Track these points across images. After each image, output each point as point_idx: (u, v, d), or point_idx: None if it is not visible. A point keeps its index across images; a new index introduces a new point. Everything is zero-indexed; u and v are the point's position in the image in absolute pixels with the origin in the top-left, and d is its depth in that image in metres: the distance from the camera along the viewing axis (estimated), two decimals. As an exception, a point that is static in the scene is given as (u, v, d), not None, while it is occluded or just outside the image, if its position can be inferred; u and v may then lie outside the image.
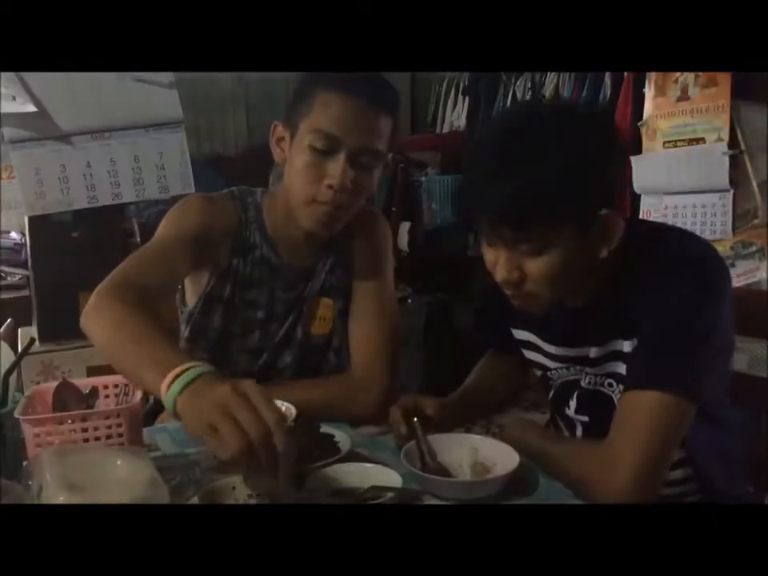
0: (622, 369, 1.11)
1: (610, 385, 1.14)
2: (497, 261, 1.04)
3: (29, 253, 2.58)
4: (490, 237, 1.04)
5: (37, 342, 2.22)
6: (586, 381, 1.17)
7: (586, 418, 1.20)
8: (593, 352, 1.13)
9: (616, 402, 1.11)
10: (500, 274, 1.04)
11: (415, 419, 1.12)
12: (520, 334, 1.28)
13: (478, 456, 1.08)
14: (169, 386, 0.87)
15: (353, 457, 1.07)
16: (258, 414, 0.79)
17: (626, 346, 1.09)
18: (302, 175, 1.25)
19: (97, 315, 1.06)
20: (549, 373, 1.24)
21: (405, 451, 1.05)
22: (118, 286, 1.11)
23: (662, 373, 1.01)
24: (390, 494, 0.93)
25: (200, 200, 1.35)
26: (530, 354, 1.27)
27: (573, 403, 1.21)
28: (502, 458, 1.05)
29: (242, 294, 1.36)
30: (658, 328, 1.03)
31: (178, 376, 0.87)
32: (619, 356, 1.11)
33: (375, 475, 0.99)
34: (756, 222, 2.50)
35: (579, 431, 1.22)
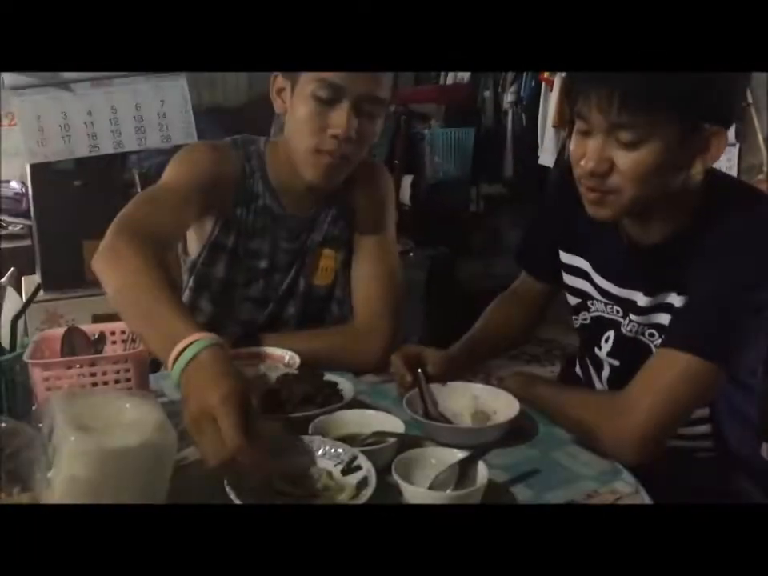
0: (667, 321, 1.09)
1: (651, 335, 1.13)
2: (585, 152, 1.02)
3: (31, 201, 2.58)
4: (590, 120, 1.00)
5: (41, 290, 2.24)
6: (628, 328, 1.16)
7: (617, 363, 1.20)
8: (642, 300, 1.12)
9: (654, 351, 1.10)
10: (589, 163, 1.01)
11: (419, 370, 1.13)
12: (571, 259, 1.25)
13: (479, 404, 1.10)
14: (174, 362, 0.88)
15: (356, 404, 1.08)
16: (222, 440, 0.80)
17: (678, 301, 1.07)
18: (305, 125, 1.24)
19: (111, 257, 1.07)
20: (589, 302, 1.22)
21: (407, 399, 1.07)
22: (131, 228, 1.11)
23: (705, 339, 1.00)
24: (392, 440, 0.95)
25: (206, 147, 1.34)
26: (576, 281, 1.24)
27: (606, 346, 1.21)
28: (502, 406, 1.07)
29: (246, 243, 1.36)
30: (713, 291, 1.01)
31: (180, 353, 0.88)
32: (669, 309, 1.09)
33: (378, 421, 1.01)
34: (761, 177, 2.49)
35: (606, 373, 1.23)
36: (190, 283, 1.40)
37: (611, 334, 1.19)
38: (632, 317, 1.15)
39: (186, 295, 1.41)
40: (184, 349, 0.88)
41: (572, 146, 1.05)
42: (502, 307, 1.40)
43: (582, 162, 1.02)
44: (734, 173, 2.52)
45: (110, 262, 1.07)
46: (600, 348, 1.22)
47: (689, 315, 1.04)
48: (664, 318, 1.10)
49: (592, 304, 1.22)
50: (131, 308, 1.01)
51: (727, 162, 2.53)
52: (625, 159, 0.99)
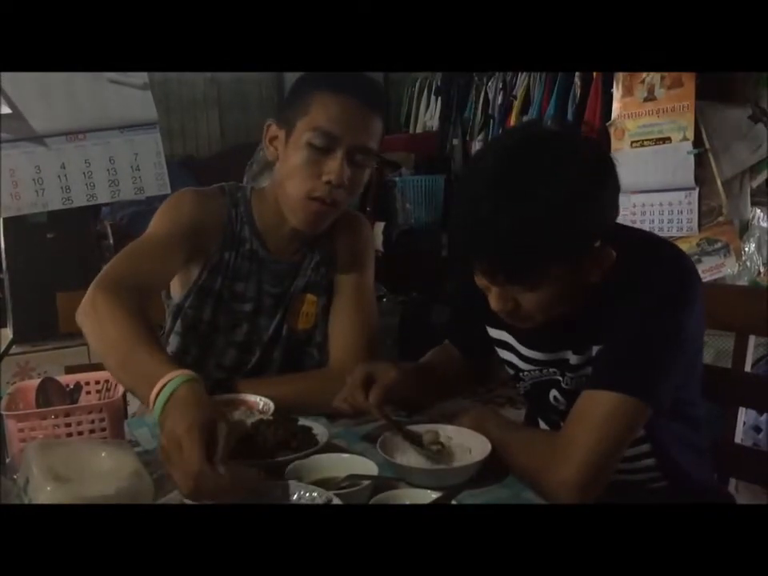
0: None
1: None
2: (490, 289, 1.06)
3: (3, 254, 2.57)
4: (486, 279, 1.05)
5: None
6: (565, 384, 1.18)
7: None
8: (574, 359, 1.15)
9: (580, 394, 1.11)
10: (494, 304, 1.06)
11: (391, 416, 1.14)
12: (496, 333, 1.28)
13: (451, 445, 1.11)
14: (155, 400, 0.91)
15: (330, 448, 1.09)
16: (186, 465, 0.83)
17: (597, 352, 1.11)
18: (300, 171, 1.28)
19: (91, 310, 1.09)
20: (521, 374, 1.25)
21: (380, 442, 1.08)
22: (111, 281, 1.13)
23: (623, 376, 1.03)
24: (366, 482, 0.97)
25: (193, 194, 1.37)
26: (504, 354, 1.28)
27: (559, 403, 1.21)
28: (474, 446, 1.09)
29: (231, 286, 1.39)
30: (621, 333, 1.05)
31: (160, 391, 0.91)
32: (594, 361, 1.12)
33: (352, 464, 1.02)
34: (721, 219, 2.57)
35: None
36: (176, 327, 1.41)
37: (555, 392, 1.21)
38: (568, 374, 1.17)
39: (171, 339, 1.42)
40: (163, 387, 0.90)
41: (476, 278, 1.08)
42: (444, 350, 1.40)
43: (490, 298, 1.07)
44: (695, 216, 2.60)
45: (89, 315, 1.09)
46: (556, 401, 1.22)
47: (607, 356, 1.08)
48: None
49: (524, 374, 1.25)
50: (112, 357, 1.03)
51: (688, 206, 2.62)
52: (527, 299, 1.04)
